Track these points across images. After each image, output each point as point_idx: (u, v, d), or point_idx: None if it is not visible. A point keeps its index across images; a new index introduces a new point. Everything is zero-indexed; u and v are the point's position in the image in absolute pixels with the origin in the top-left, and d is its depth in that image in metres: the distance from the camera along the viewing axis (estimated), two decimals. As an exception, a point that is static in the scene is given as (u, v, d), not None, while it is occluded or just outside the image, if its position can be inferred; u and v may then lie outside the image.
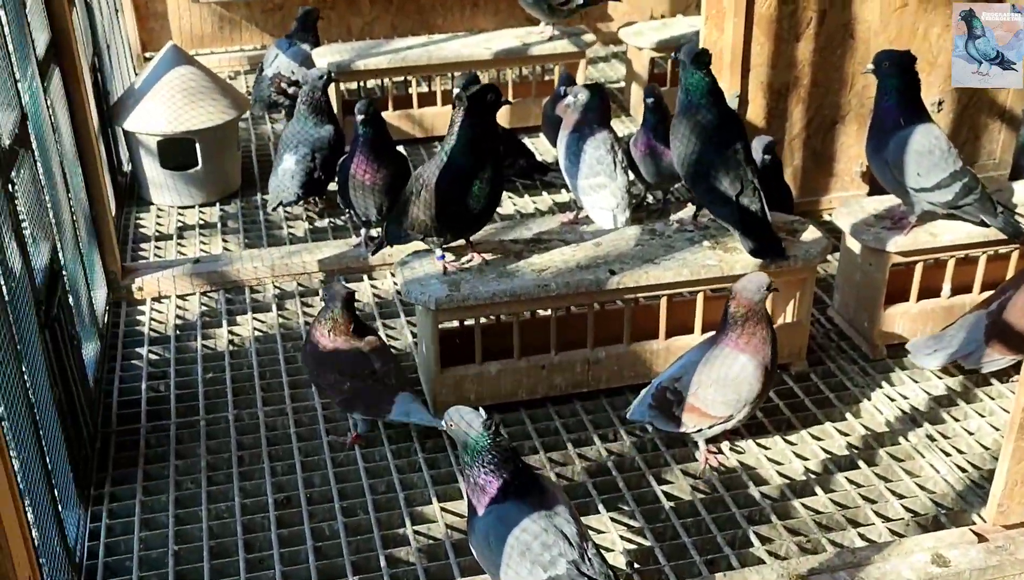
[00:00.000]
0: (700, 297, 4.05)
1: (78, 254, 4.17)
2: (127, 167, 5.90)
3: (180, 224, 5.54)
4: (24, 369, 3.25)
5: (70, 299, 3.92)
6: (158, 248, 5.32)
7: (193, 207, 5.68)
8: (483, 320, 3.96)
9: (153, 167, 5.56)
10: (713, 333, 3.72)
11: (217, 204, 5.71)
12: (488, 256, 4.01)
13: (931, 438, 3.88)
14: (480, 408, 2.94)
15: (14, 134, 3.32)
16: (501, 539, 2.78)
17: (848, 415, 4.02)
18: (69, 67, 4.29)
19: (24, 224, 3.36)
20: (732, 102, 5.07)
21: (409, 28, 7.93)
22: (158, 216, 5.62)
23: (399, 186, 4.61)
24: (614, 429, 3.96)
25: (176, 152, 5.58)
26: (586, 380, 4.07)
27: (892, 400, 4.10)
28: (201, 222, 5.57)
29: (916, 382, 4.20)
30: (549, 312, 4.00)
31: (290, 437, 3.94)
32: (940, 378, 4.21)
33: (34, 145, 3.77)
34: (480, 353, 3.94)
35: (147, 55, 7.53)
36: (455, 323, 4.01)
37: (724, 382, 3.58)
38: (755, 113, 5.18)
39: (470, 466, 2.86)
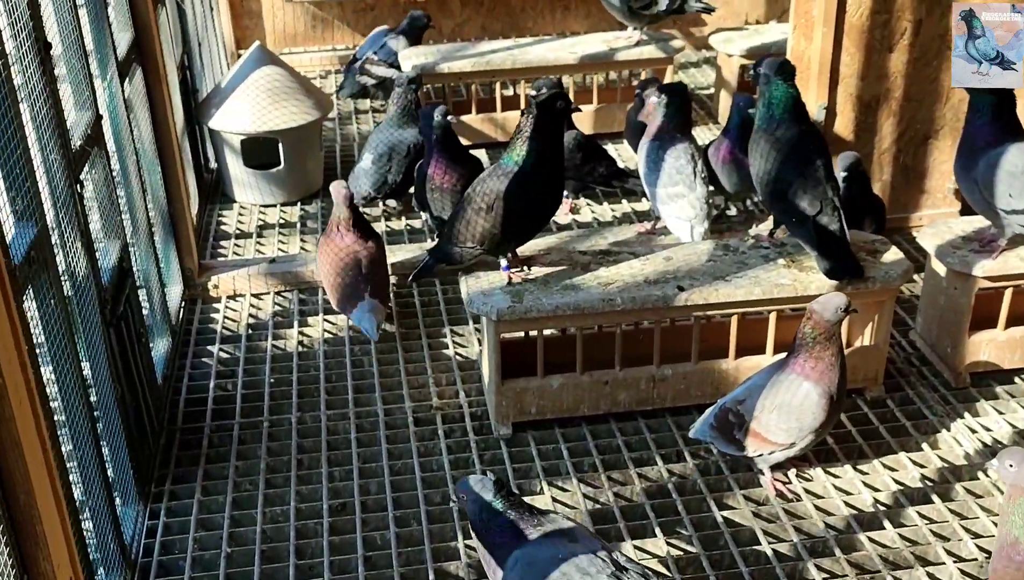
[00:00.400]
0: (773, 316, 3.92)
1: (152, 252, 4.23)
2: (213, 164, 5.98)
3: (261, 222, 5.60)
4: (85, 366, 3.32)
5: (141, 296, 3.97)
6: (238, 245, 5.38)
7: (275, 206, 5.74)
8: (546, 332, 3.90)
9: (237, 165, 5.63)
10: (784, 354, 3.60)
11: (298, 204, 5.75)
12: (551, 269, 3.93)
13: None
14: (487, 472, 3.00)
15: (86, 134, 3.36)
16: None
17: (925, 446, 3.85)
18: (151, 66, 4.35)
19: (92, 223, 3.41)
20: (819, 114, 4.92)
21: (499, 30, 7.90)
22: (240, 214, 5.69)
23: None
24: (677, 450, 3.86)
25: (260, 151, 5.64)
26: (651, 398, 3.98)
27: (973, 432, 3.91)
28: (282, 221, 5.62)
29: (1001, 414, 4.01)
30: (615, 326, 3.91)
31: (350, 442, 3.94)
32: (1027, 410, 4.02)
33: (110, 145, 3.84)
34: (542, 366, 3.88)
35: (240, 53, 7.64)
36: (520, 334, 3.95)
37: (787, 409, 3.46)
38: (843, 126, 5.00)
39: (485, 529, 2.84)
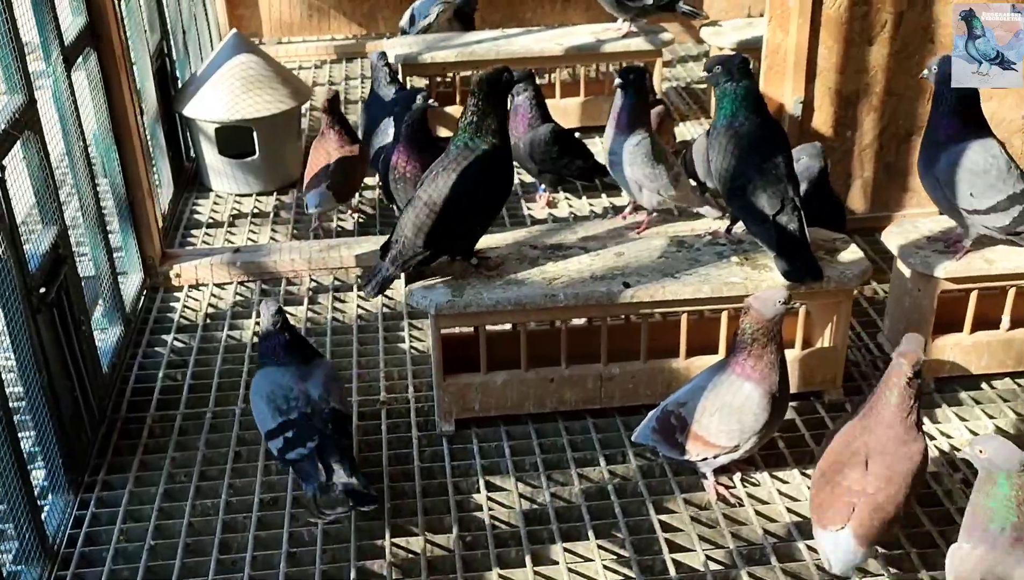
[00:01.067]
0: (724, 315, 3.80)
1: (103, 239, 4.18)
2: (192, 153, 5.95)
3: (235, 212, 5.56)
4: (6, 354, 3.28)
5: (82, 283, 3.93)
6: (208, 235, 5.34)
7: (250, 195, 5.69)
8: (495, 327, 3.81)
9: (212, 154, 5.60)
10: (719, 360, 3.49)
11: (275, 193, 5.70)
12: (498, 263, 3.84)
13: (969, 485, 3.54)
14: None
15: (13, 119, 3.32)
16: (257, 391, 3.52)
17: (880, 452, 3.71)
18: (107, 51, 4.31)
19: (21, 208, 3.37)
20: (795, 108, 4.79)
21: (498, 21, 7.80)
22: (215, 203, 5.65)
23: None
24: (623, 450, 3.76)
25: (236, 140, 5.60)
26: (598, 397, 3.87)
27: (931, 439, 3.77)
28: (255, 211, 5.57)
29: (963, 420, 3.86)
30: (562, 322, 3.82)
31: (291, 435, 3.87)
32: (992, 417, 3.86)
33: (52, 129, 3.80)
34: (485, 362, 3.79)
35: (236, 42, 7.62)
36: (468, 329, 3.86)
37: (728, 411, 3.35)
38: (822, 121, 4.86)
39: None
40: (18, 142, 3.40)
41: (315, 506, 3.33)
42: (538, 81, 5.85)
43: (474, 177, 3.59)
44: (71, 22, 4.12)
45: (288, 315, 4.22)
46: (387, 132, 5.25)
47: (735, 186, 3.77)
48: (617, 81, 4.31)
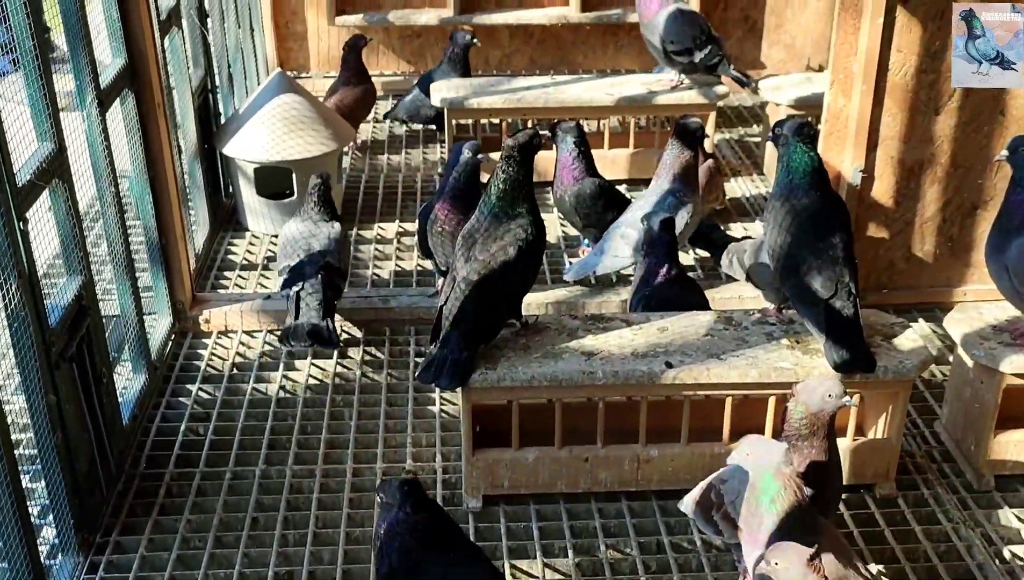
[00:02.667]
0: (772, 400, 3.59)
1: (131, 286, 4.06)
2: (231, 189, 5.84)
3: (270, 254, 5.42)
4: (20, 414, 3.16)
5: (107, 332, 3.81)
6: (241, 277, 5.21)
7: (287, 237, 5.56)
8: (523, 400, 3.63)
9: (250, 194, 5.48)
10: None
11: (311, 236, 5.56)
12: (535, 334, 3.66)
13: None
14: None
15: (40, 168, 3.20)
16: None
17: (933, 555, 3.48)
18: (146, 93, 4.20)
19: (45, 260, 3.26)
20: (855, 178, 4.58)
21: (548, 63, 7.66)
22: (251, 243, 5.53)
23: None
24: (658, 539, 3.56)
25: (275, 180, 5.48)
26: (635, 479, 3.68)
27: (990, 544, 3.53)
28: (291, 253, 5.43)
29: (1024, 524, 3.63)
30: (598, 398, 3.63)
31: (311, 503, 3.71)
32: (1055, 523, 3.62)
33: (83, 176, 3.70)
34: (517, 438, 3.61)
35: (284, 74, 7.54)
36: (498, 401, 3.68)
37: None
38: (882, 191, 4.65)
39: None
40: (45, 191, 3.28)
41: (285, 336, 4.25)
42: (586, 130, 5.72)
43: (522, 250, 3.47)
44: (110, 63, 4.01)
45: (318, 369, 4.11)
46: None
47: (788, 265, 3.58)
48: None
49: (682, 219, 4.60)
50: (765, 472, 2.86)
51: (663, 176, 4.79)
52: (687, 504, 3.35)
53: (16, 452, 3.07)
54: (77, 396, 3.45)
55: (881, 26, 4.29)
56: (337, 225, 4.65)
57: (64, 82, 3.58)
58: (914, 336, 3.66)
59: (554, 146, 5.17)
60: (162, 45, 4.61)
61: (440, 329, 3.49)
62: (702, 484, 3.34)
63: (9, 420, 3.00)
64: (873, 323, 3.71)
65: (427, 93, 6.17)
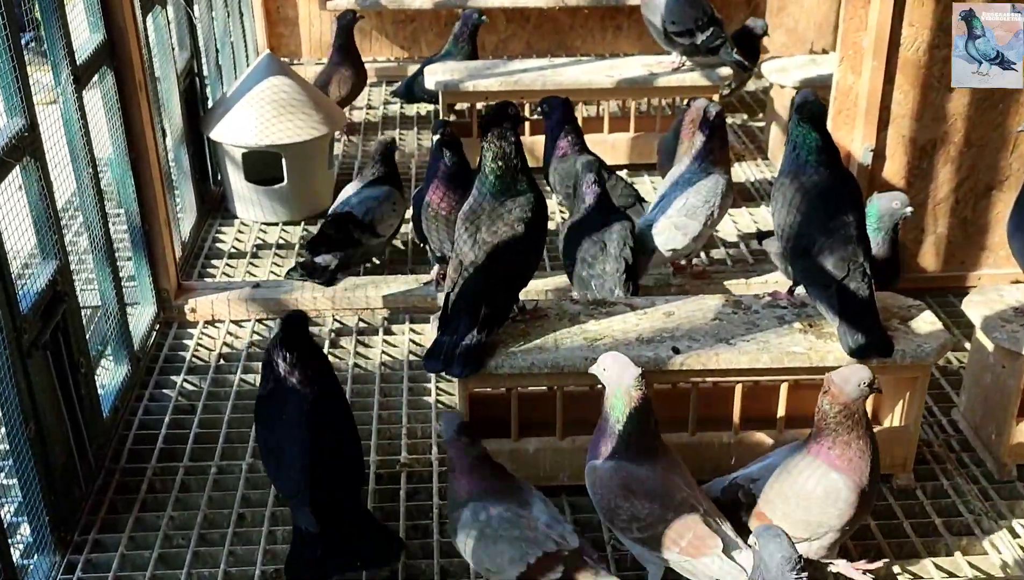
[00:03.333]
0: (784, 386, 3.42)
1: (111, 273, 3.88)
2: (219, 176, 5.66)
3: (259, 241, 5.25)
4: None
5: (85, 321, 3.63)
6: (229, 265, 5.04)
7: (277, 225, 5.39)
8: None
9: (238, 180, 5.30)
10: (806, 438, 3.08)
11: (302, 223, 5.39)
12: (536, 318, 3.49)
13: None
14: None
15: (9, 145, 3.02)
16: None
17: (956, 550, 3.31)
18: (126, 71, 4.02)
19: (13, 243, 3.08)
20: (865, 157, 4.40)
21: (546, 48, 7.50)
22: (240, 231, 5.35)
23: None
24: (665, 532, 3.38)
25: (264, 165, 5.31)
26: (641, 470, 3.50)
27: (1015, 536, 3.36)
28: (281, 241, 5.26)
29: (1049, 516, 3.46)
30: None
31: (301, 498, 3.53)
32: (1082, 514, 3.45)
33: (57, 155, 3.52)
34: (516, 428, 3.43)
35: (275, 61, 7.36)
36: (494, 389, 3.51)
37: (808, 499, 2.95)
38: (893, 171, 4.47)
39: None
40: (16, 169, 3.10)
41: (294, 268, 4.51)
42: (585, 114, 5.56)
43: (529, 226, 3.32)
44: (87, 39, 3.83)
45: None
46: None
47: (798, 245, 3.40)
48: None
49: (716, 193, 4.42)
50: (617, 388, 2.98)
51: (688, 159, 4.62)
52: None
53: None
54: (52, 386, 3.28)
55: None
56: (385, 187, 4.75)
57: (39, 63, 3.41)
58: (932, 319, 3.49)
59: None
60: (144, 22, 4.43)
61: (447, 315, 3.31)
62: (718, 482, 3.18)
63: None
64: (889, 306, 3.54)
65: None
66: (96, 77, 3.86)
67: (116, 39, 3.96)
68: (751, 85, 7.36)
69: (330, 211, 4.76)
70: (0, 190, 2.98)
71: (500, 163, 3.28)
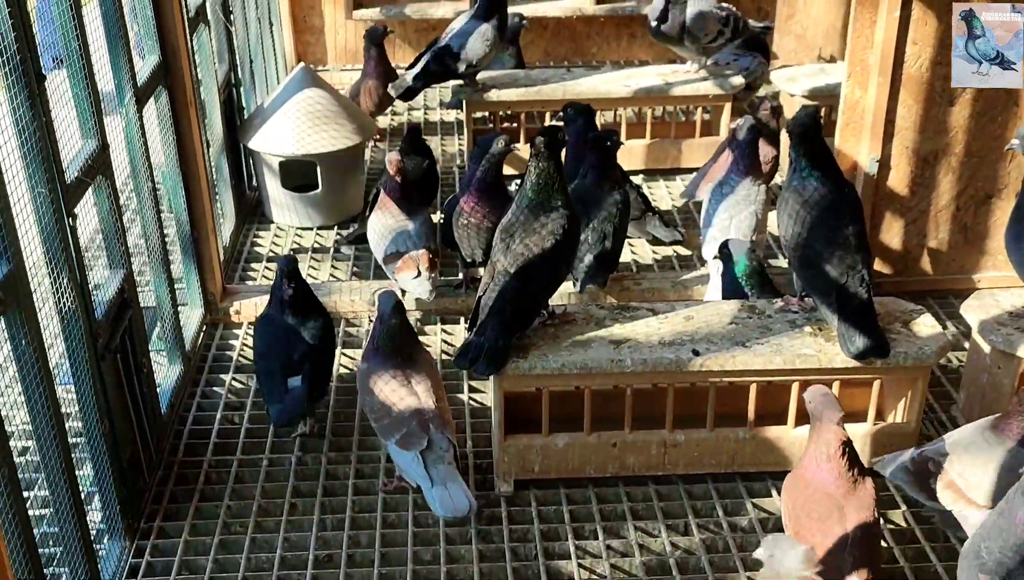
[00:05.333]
0: (796, 386, 3.69)
1: (167, 278, 4.17)
2: (256, 182, 5.94)
3: (295, 246, 5.53)
4: (69, 404, 3.27)
5: (145, 325, 3.92)
6: (269, 268, 5.31)
7: (312, 229, 5.67)
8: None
9: (275, 186, 5.58)
10: (994, 417, 3.35)
11: (335, 228, 5.67)
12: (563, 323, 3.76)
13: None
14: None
15: (86, 166, 3.30)
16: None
17: (957, 544, 3.58)
18: (179, 89, 4.29)
19: (91, 254, 3.36)
20: (871, 167, 4.67)
21: (562, 55, 7.76)
22: (276, 235, 5.63)
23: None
24: (685, 521, 3.66)
25: (299, 172, 5.58)
26: (661, 463, 3.78)
27: (1008, 524, 3.63)
28: (316, 245, 5.54)
29: (1041, 505, 3.71)
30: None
31: (347, 488, 3.82)
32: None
33: (123, 172, 3.80)
34: (547, 424, 3.71)
35: (301, 67, 7.63)
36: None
37: (998, 470, 3.22)
38: (898, 180, 4.74)
39: None
40: (90, 188, 3.38)
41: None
42: (602, 120, 5.80)
43: (557, 243, 3.58)
44: (144, 61, 4.11)
45: (348, 358, 4.23)
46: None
47: (801, 255, 3.68)
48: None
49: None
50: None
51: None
52: (893, 473, 3.44)
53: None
54: (120, 385, 3.56)
55: (898, 19, 4.38)
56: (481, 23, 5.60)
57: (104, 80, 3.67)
58: (932, 322, 3.76)
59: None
60: (192, 42, 4.71)
61: (478, 318, 3.59)
62: (908, 454, 3.43)
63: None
64: (891, 310, 3.81)
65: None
66: (151, 97, 4.13)
67: (170, 60, 4.24)
68: (761, 91, 7.62)
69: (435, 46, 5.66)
70: (79, 207, 3.25)
71: (541, 181, 3.56)
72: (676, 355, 3.58)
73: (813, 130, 3.58)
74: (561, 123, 5.28)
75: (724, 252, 4.30)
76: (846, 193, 3.68)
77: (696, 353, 3.59)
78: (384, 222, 4.66)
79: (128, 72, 3.80)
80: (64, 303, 3.12)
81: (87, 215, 3.45)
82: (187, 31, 4.47)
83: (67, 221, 3.12)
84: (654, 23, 5.81)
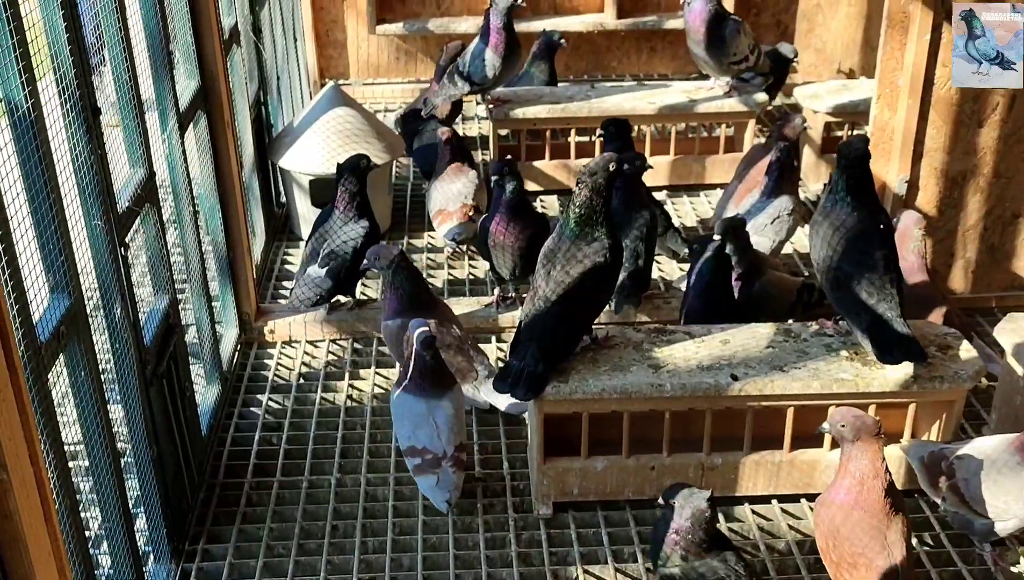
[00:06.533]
0: (832, 410, 3.72)
1: (206, 300, 4.22)
2: (284, 199, 5.98)
3: (324, 263, 5.57)
4: (120, 429, 3.32)
5: (188, 349, 3.97)
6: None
7: (340, 246, 5.70)
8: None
9: (304, 204, 5.63)
10: (1019, 435, 3.41)
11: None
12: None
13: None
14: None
15: (136, 194, 3.35)
16: None
17: (990, 562, 3.62)
18: (217, 113, 4.35)
19: (139, 281, 3.41)
20: (900, 188, 4.71)
21: (583, 68, 7.80)
22: (305, 252, 5.67)
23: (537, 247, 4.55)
24: (723, 543, 3.70)
25: (328, 189, 5.62)
26: (699, 486, 3.78)
27: (1042, 550, 3.68)
28: (345, 262, 5.58)
29: (1074, 527, 3.76)
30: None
31: (388, 510, 3.87)
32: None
33: (167, 198, 3.86)
34: (586, 447, 3.76)
35: (324, 82, 7.67)
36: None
37: (1006, 492, 3.33)
38: (926, 200, 4.78)
39: None
40: (138, 218, 3.43)
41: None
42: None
43: (598, 274, 3.61)
44: (185, 86, 4.16)
45: (382, 378, 4.27)
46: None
47: (833, 278, 3.72)
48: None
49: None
50: None
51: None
52: (912, 452, 3.56)
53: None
54: (166, 410, 3.61)
55: (928, 42, 4.42)
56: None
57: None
58: (967, 346, 3.80)
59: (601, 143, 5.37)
60: (227, 65, 4.76)
61: (519, 340, 3.64)
62: (925, 447, 3.53)
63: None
64: (926, 334, 3.85)
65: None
66: (191, 122, 4.18)
67: (208, 85, 4.29)
68: (779, 100, 7.67)
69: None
70: (130, 236, 3.30)
71: (584, 210, 3.57)
72: (715, 380, 3.62)
73: (863, 160, 3.62)
74: (601, 137, 5.33)
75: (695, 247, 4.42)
76: (878, 219, 3.71)
77: (735, 378, 3.63)
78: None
79: (172, 99, 3.85)
80: (117, 333, 3.17)
81: (135, 245, 3.50)
82: (224, 54, 4.52)
83: (120, 251, 3.17)
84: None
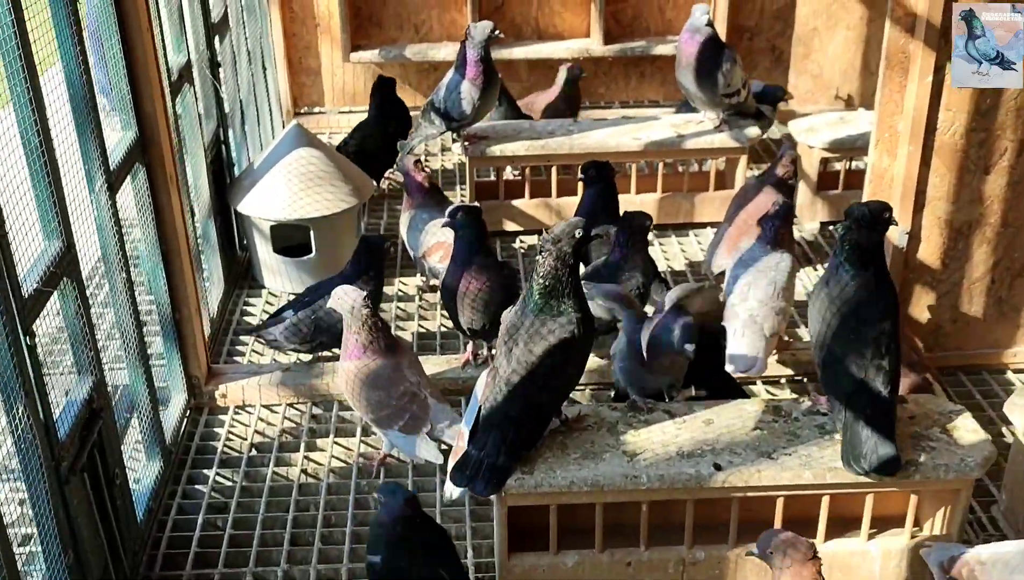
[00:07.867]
0: (825, 500, 3.38)
1: (144, 372, 3.87)
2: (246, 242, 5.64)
3: (287, 313, 5.22)
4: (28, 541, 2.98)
5: (118, 433, 3.62)
6: (259, 340, 5.00)
7: (305, 294, 5.36)
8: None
9: (266, 251, 5.29)
10: None
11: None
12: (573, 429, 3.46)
13: None
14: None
15: (48, 273, 3.00)
16: None
17: (1000, 666, 3.27)
18: (157, 165, 4.00)
19: (50, 368, 3.07)
20: (901, 240, 4.36)
21: (569, 95, 7.44)
22: (268, 302, 5.33)
23: (501, 298, 4.29)
24: (706, 649, 3.36)
25: (292, 234, 5.29)
26: (681, 584, 3.48)
27: (1058, 651, 3.32)
28: (309, 313, 5.23)
29: (1094, 627, 3.40)
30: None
31: (339, 607, 3.53)
32: None
33: (91, 268, 3.51)
34: (555, 541, 3.41)
35: (297, 111, 7.34)
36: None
37: None
38: (929, 252, 4.43)
39: None
40: (53, 295, 3.08)
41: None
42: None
43: (565, 352, 3.25)
44: (119, 138, 3.81)
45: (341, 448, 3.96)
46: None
47: (822, 358, 3.39)
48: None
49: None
50: None
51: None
52: (932, 557, 3.15)
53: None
54: (89, 505, 3.26)
55: (930, 85, 4.08)
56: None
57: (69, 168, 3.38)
58: (974, 426, 3.45)
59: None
60: (174, 108, 4.42)
61: (479, 427, 3.29)
62: (947, 550, 3.13)
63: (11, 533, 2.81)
64: (928, 411, 3.51)
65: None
66: (128, 177, 3.84)
67: (147, 134, 3.94)
68: (775, 134, 7.32)
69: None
70: (39, 322, 2.95)
71: (548, 282, 3.21)
72: (696, 470, 3.27)
73: (869, 223, 3.27)
74: (582, 180, 5.06)
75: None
76: (879, 292, 3.35)
77: (718, 467, 3.28)
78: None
79: (99, 156, 3.50)
80: (21, 434, 2.82)
81: (49, 322, 3.15)
82: (167, 98, 4.18)
83: (24, 341, 2.82)
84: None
